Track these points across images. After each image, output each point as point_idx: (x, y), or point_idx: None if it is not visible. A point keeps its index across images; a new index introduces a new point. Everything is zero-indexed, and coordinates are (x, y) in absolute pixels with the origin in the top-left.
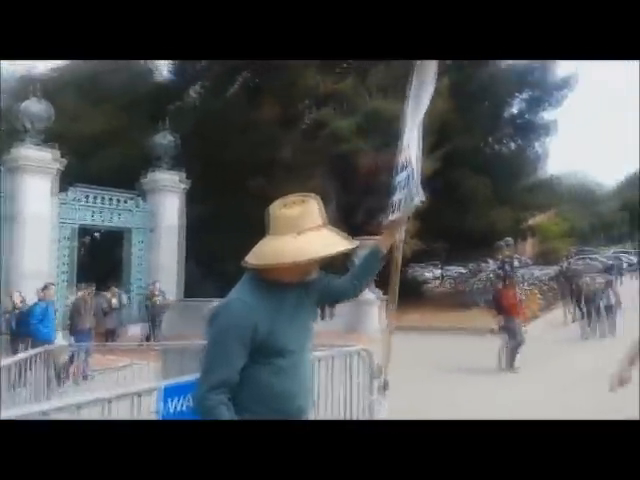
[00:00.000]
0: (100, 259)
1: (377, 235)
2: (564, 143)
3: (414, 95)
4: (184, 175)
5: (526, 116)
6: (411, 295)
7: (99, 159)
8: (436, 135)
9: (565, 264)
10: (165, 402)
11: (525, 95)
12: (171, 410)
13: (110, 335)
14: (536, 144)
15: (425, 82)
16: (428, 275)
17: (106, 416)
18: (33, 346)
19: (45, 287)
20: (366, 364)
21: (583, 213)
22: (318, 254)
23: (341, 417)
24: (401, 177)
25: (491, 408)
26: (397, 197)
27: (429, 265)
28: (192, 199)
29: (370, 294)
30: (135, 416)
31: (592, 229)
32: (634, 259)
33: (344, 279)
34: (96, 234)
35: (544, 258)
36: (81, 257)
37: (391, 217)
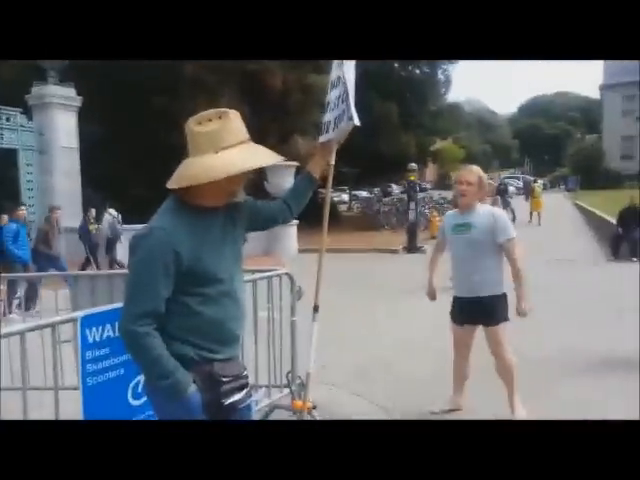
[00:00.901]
0: None
1: (292, 159)
2: (464, 72)
3: None
4: (75, 91)
5: None
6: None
7: None
8: None
9: None
10: (83, 332)
11: None
12: (90, 340)
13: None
14: (439, 71)
15: None
16: (337, 200)
17: (22, 349)
18: (6, 268)
19: (16, 209)
20: (288, 287)
21: (478, 140)
22: (238, 169)
23: (265, 337)
24: (332, 97)
25: (411, 319)
26: (327, 118)
27: (338, 190)
28: (86, 118)
29: None
30: (52, 346)
31: (486, 155)
32: (520, 184)
33: (275, 204)
34: None
35: (441, 182)
36: None
37: (322, 139)
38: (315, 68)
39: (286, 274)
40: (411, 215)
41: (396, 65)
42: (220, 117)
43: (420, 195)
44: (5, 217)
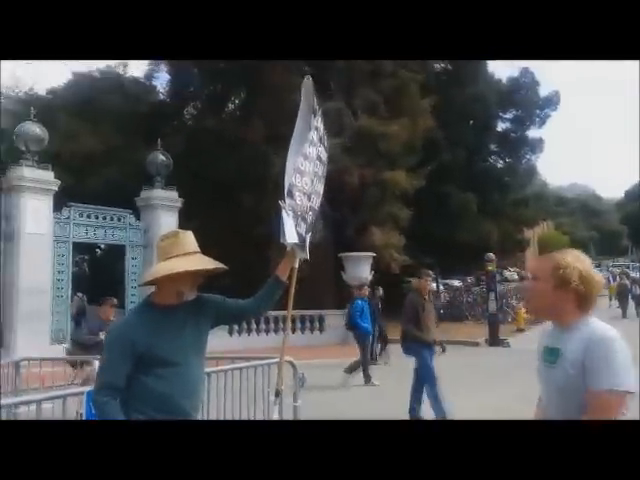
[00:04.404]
0: (100, 275)
1: (369, 250)
2: (562, 157)
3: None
4: (177, 193)
5: (512, 134)
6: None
7: (96, 178)
8: (422, 152)
9: None
10: (88, 404)
11: (509, 114)
12: (93, 411)
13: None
14: (522, 161)
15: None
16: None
17: (37, 415)
18: (357, 337)
19: (361, 286)
20: (290, 374)
21: (582, 226)
22: (171, 271)
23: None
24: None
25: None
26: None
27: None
28: (186, 216)
29: None
30: (62, 416)
31: (593, 241)
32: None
33: (246, 302)
34: (98, 250)
35: None
36: (82, 273)
37: (288, 246)
38: (389, 165)
39: (289, 362)
40: (491, 306)
41: (476, 157)
42: (175, 235)
43: (512, 285)
44: (366, 288)
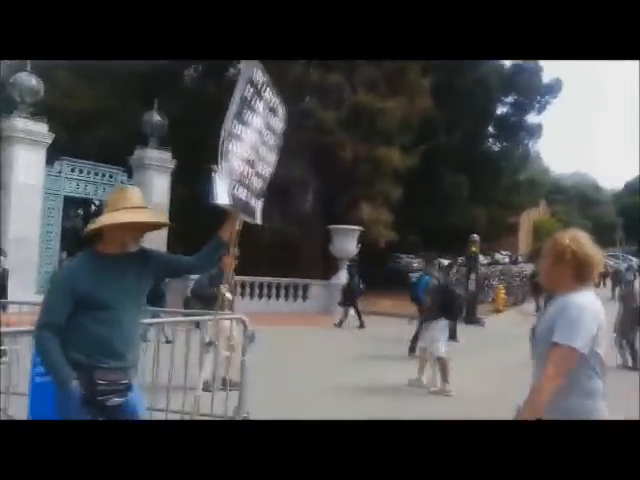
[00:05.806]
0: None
1: (358, 224)
2: (562, 145)
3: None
4: (170, 155)
5: (511, 118)
6: (391, 284)
7: (90, 134)
8: (418, 132)
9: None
10: None
11: (510, 99)
12: None
13: None
14: (519, 146)
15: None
16: (415, 266)
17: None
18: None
19: (430, 262)
20: (241, 330)
21: (578, 214)
22: (115, 221)
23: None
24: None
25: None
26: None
27: (410, 258)
28: (177, 179)
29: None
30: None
31: (587, 231)
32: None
33: (187, 258)
34: (93, 206)
35: (537, 257)
36: (76, 227)
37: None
38: (384, 142)
39: (239, 318)
40: (470, 286)
41: (473, 140)
42: (122, 189)
43: (499, 267)
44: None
